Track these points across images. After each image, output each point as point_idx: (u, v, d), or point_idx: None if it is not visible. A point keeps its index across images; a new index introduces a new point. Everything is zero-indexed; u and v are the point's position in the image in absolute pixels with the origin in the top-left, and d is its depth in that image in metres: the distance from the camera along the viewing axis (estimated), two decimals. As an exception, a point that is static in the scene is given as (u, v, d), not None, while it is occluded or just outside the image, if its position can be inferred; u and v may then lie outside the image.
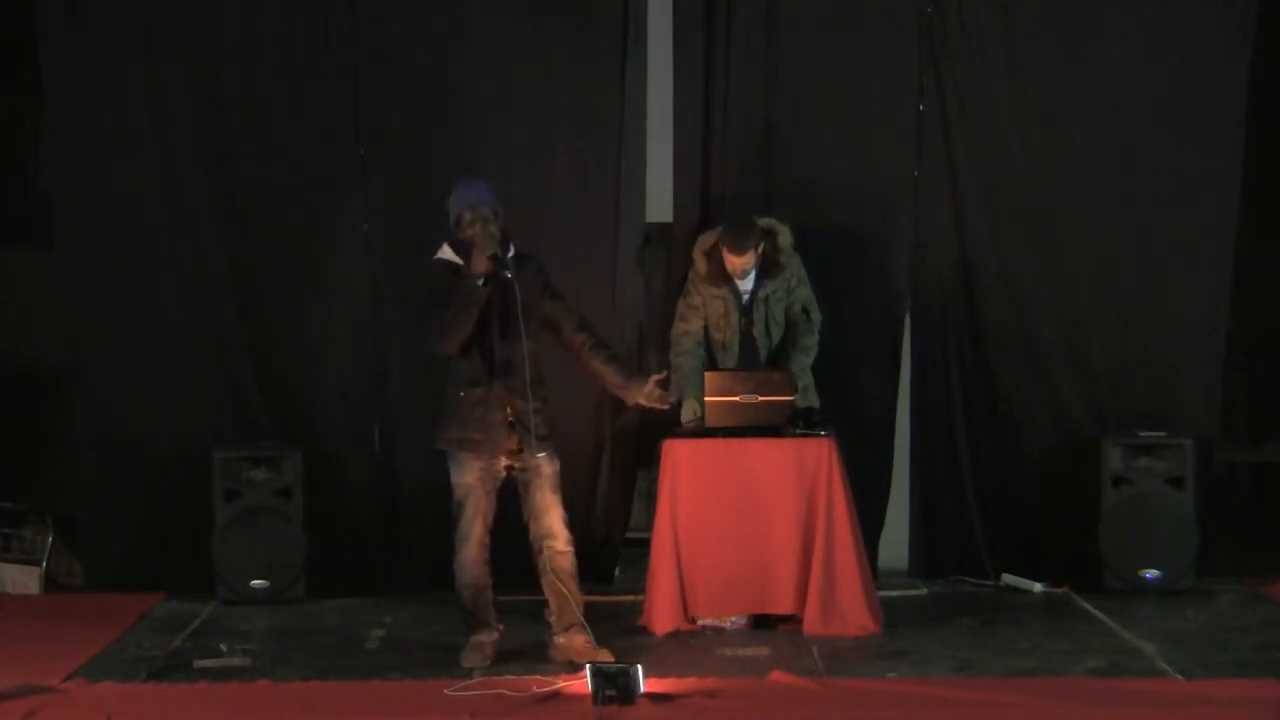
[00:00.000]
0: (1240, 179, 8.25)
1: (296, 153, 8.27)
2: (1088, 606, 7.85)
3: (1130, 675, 6.70)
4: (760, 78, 8.28)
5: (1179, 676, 6.66)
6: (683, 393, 7.67)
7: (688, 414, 7.61)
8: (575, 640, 6.91)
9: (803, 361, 7.78)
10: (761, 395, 7.40)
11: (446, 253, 6.83)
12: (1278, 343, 9.12)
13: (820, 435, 7.45)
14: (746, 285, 7.77)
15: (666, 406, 7.23)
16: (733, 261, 7.66)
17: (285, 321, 8.32)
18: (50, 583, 8.39)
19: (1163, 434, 8.13)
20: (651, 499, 7.70)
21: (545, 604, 7.00)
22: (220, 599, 8.02)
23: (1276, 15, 8.24)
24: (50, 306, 8.43)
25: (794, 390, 7.48)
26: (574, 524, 7.05)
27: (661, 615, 7.41)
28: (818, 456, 7.37)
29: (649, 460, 7.93)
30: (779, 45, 8.27)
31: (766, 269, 7.74)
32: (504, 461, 6.89)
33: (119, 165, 8.25)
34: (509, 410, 6.79)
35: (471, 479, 6.87)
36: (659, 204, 8.39)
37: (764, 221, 7.78)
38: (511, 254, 6.81)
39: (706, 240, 7.83)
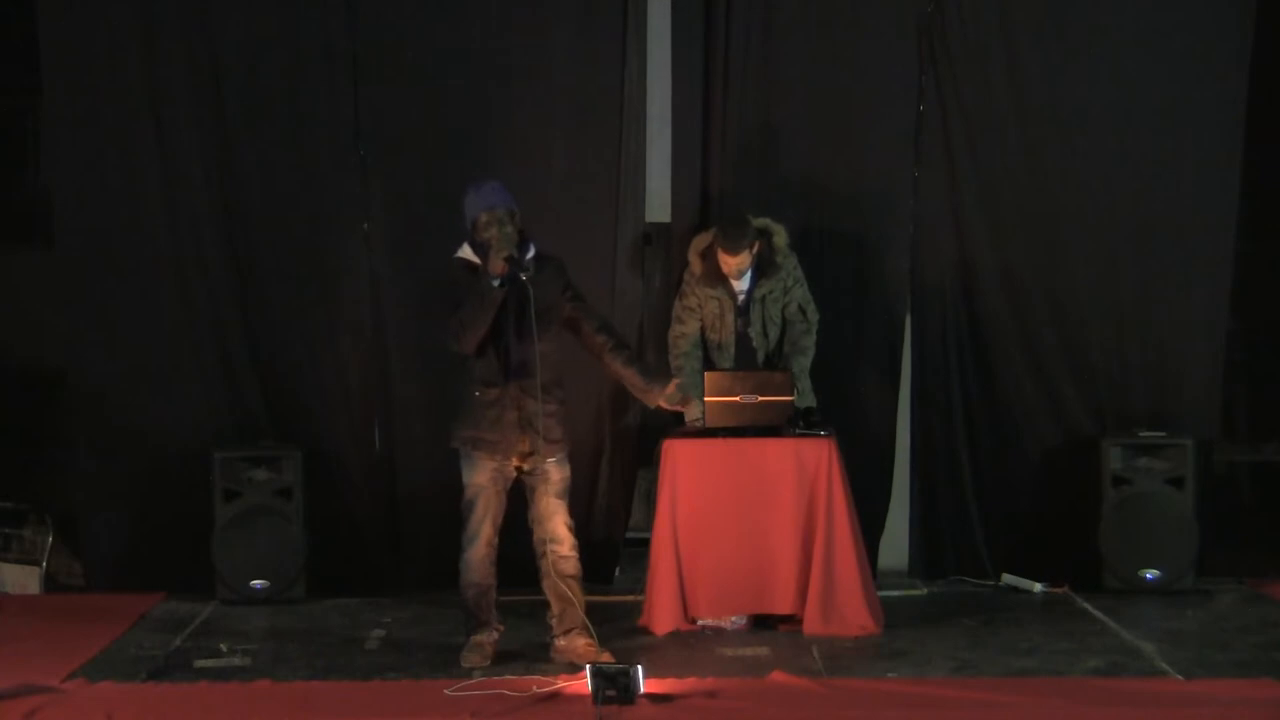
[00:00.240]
0: (1240, 179, 8.25)
1: (296, 153, 8.26)
2: (1088, 606, 7.85)
3: (1130, 675, 6.70)
4: (759, 77, 8.28)
5: (1179, 676, 6.66)
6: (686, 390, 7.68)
7: (691, 414, 7.61)
8: (576, 642, 6.91)
9: (801, 362, 7.79)
10: (761, 395, 7.40)
11: (465, 252, 6.84)
12: (1278, 343, 9.12)
13: (820, 435, 7.46)
14: (742, 286, 7.77)
15: (686, 409, 7.24)
16: (728, 262, 7.67)
17: (285, 321, 8.32)
18: (50, 583, 8.40)
19: (1163, 434, 8.14)
20: (651, 499, 7.71)
21: (546, 606, 7.01)
22: (220, 599, 8.02)
23: (1276, 15, 8.24)
24: (50, 306, 8.43)
25: (794, 390, 7.48)
26: (574, 524, 7.05)
27: (661, 615, 7.41)
28: (818, 456, 7.37)
29: (649, 460, 7.93)
30: (778, 45, 8.27)
31: (762, 269, 7.74)
32: (515, 463, 6.89)
33: (119, 165, 8.25)
34: (522, 412, 6.79)
35: (483, 479, 6.88)
36: (659, 204, 8.40)
37: (759, 221, 7.78)
38: (532, 254, 6.82)
39: (701, 241, 7.84)
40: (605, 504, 8.32)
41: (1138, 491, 8.08)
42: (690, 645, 7.27)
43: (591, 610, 7.05)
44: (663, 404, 7.12)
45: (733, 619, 7.51)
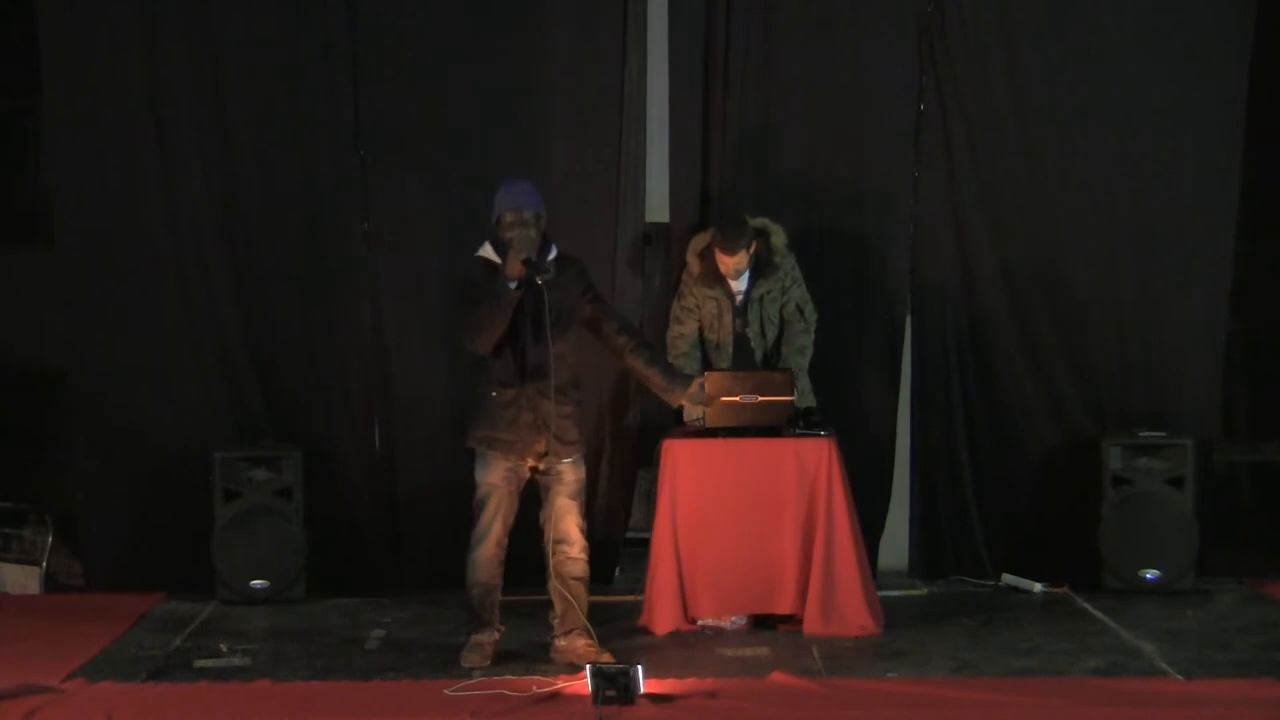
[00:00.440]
0: (1240, 179, 8.25)
1: (296, 153, 8.26)
2: (1088, 606, 7.85)
3: (1130, 675, 6.70)
4: (759, 77, 8.28)
5: (1179, 676, 6.66)
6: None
7: (691, 414, 7.61)
8: (577, 643, 6.91)
9: (799, 362, 7.79)
10: (761, 395, 7.40)
11: (487, 250, 6.85)
12: (1278, 343, 9.12)
13: (820, 435, 7.46)
14: (740, 286, 7.77)
15: (710, 409, 7.23)
16: (725, 262, 7.67)
17: (285, 321, 8.32)
18: (50, 583, 8.40)
19: (1163, 434, 8.13)
20: (651, 499, 7.70)
21: (550, 606, 7.01)
22: (220, 599, 8.02)
23: (1276, 15, 8.24)
24: (50, 306, 8.43)
25: (794, 390, 7.48)
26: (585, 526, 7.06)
27: (661, 615, 7.41)
28: (818, 456, 7.37)
29: (649, 460, 7.93)
30: (778, 45, 8.27)
31: (760, 269, 7.75)
32: (530, 463, 6.90)
33: (119, 165, 8.25)
34: (538, 413, 6.80)
35: (496, 478, 6.88)
36: (658, 204, 8.40)
37: (757, 221, 7.79)
38: (553, 255, 6.83)
39: (699, 242, 7.84)
40: (605, 504, 8.32)
41: (1138, 491, 8.08)
42: (690, 645, 7.27)
43: (592, 610, 7.05)
44: (685, 403, 7.13)
45: (733, 619, 7.51)
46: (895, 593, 8.08)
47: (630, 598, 7.77)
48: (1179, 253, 8.32)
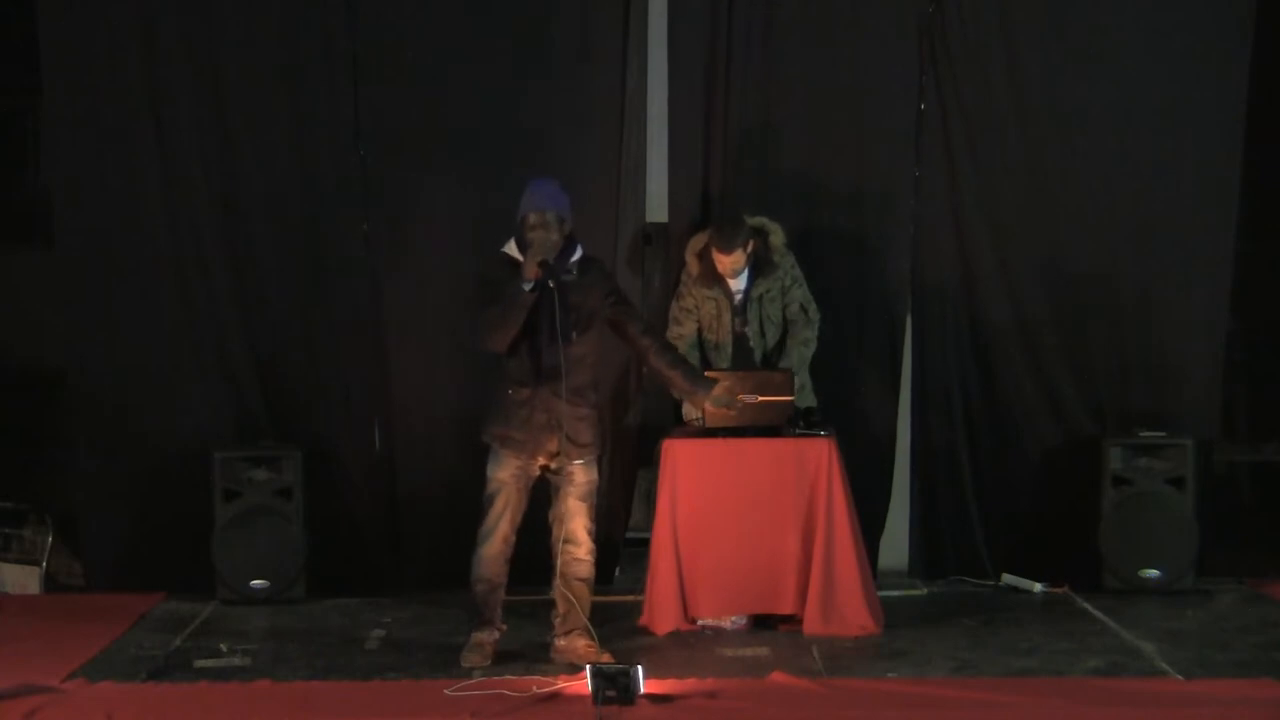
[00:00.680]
0: (1240, 179, 8.25)
1: (296, 153, 8.26)
2: (1088, 606, 7.85)
3: (1130, 675, 6.70)
4: (760, 77, 8.28)
5: (1179, 676, 6.66)
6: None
7: (690, 413, 7.61)
8: (577, 643, 6.91)
9: (802, 353, 7.78)
10: (761, 395, 7.40)
11: (510, 248, 6.86)
12: (1278, 343, 9.11)
13: (820, 435, 7.46)
14: (739, 285, 7.77)
15: (734, 412, 7.22)
16: (722, 261, 7.67)
17: (285, 321, 8.32)
18: (50, 583, 8.40)
19: (1163, 434, 8.13)
20: (651, 499, 7.70)
21: (552, 605, 7.01)
22: (220, 599, 8.02)
23: (1276, 15, 8.24)
24: (50, 306, 8.42)
25: (794, 390, 7.48)
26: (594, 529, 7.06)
27: (661, 615, 7.41)
28: (818, 456, 7.37)
29: (649, 460, 7.93)
30: (778, 45, 8.27)
31: (759, 268, 7.75)
32: (540, 461, 6.91)
33: (119, 165, 8.25)
34: (551, 414, 6.80)
35: (506, 475, 6.90)
36: (659, 204, 8.39)
37: (755, 220, 7.79)
38: (577, 256, 6.84)
39: (698, 241, 7.84)
40: (605, 504, 8.29)
41: (1138, 491, 8.08)
42: (690, 645, 7.27)
43: (592, 610, 7.05)
44: (708, 406, 7.13)
45: (733, 619, 7.51)
46: (895, 593, 8.08)
47: (630, 598, 7.77)
48: (1179, 253, 8.32)
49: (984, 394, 8.42)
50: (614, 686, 6.19)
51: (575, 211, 8.12)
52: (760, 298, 7.77)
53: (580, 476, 6.93)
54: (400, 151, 8.26)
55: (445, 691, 6.42)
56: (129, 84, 8.21)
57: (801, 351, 7.80)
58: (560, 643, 6.97)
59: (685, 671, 6.70)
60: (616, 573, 8.35)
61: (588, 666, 6.32)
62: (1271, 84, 8.38)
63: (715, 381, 7.11)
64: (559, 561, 6.95)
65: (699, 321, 7.85)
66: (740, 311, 7.79)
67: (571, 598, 6.94)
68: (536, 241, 6.74)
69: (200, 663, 6.99)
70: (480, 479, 7.07)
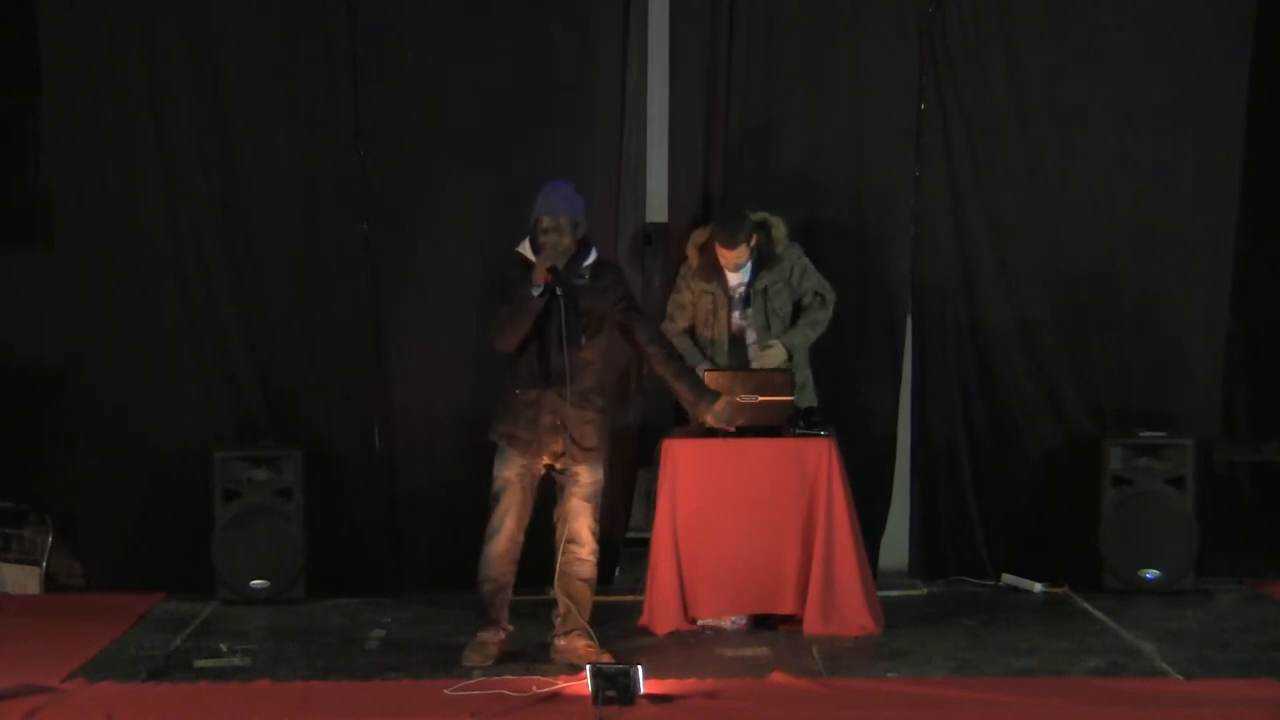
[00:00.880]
0: (1240, 179, 8.25)
1: (296, 153, 8.26)
2: (1088, 606, 7.85)
3: (1130, 675, 6.70)
4: (760, 77, 8.28)
5: (1179, 676, 6.66)
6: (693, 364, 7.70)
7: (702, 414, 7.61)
8: (577, 643, 6.91)
9: (806, 334, 7.76)
10: (761, 395, 7.40)
11: (524, 248, 6.87)
12: (1278, 343, 9.11)
13: (820, 435, 7.46)
14: (738, 279, 7.76)
15: (733, 429, 7.23)
16: (726, 255, 7.67)
17: (285, 321, 8.31)
18: (50, 583, 8.39)
19: (1163, 434, 8.13)
20: (651, 499, 7.70)
21: (554, 605, 7.02)
22: (220, 599, 8.02)
23: (1276, 15, 8.24)
24: (50, 306, 8.42)
25: (794, 390, 7.48)
26: (599, 530, 7.07)
27: (661, 615, 7.41)
28: (818, 456, 7.37)
29: (649, 460, 7.93)
30: (778, 45, 8.27)
31: (763, 261, 7.75)
32: (545, 461, 6.91)
33: (119, 165, 8.24)
34: (557, 415, 6.80)
35: (511, 474, 6.90)
36: (658, 204, 8.39)
37: (757, 216, 7.79)
38: (591, 260, 6.85)
39: (700, 236, 7.85)
40: (605, 504, 8.29)
41: (1138, 491, 8.08)
42: (690, 645, 7.27)
43: (592, 610, 7.05)
44: (709, 420, 7.13)
45: (733, 619, 7.51)
46: (895, 593, 8.08)
47: (630, 598, 7.77)
48: (1179, 253, 8.32)
49: (984, 394, 8.42)
50: (614, 686, 6.18)
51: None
52: (765, 290, 7.77)
53: (585, 477, 6.94)
54: (400, 151, 8.26)
55: (445, 691, 6.41)
56: (129, 84, 8.21)
57: (806, 333, 7.77)
58: (560, 643, 6.97)
59: (685, 671, 6.70)
60: (616, 573, 8.34)
61: (588, 666, 6.32)
62: (1271, 84, 8.38)
63: (719, 395, 7.11)
64: (561, 561, 6.96)
65: (694, 318, 7.85)
66: (740, 304, 7.77)
67: (575, 597, 6.94)
68: (548, 246, 6.75)
69: (200, 663, 6.99)
70: (481, 478, 7.07)
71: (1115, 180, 8.30)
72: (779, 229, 7.81)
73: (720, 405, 7.07)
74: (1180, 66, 8.24)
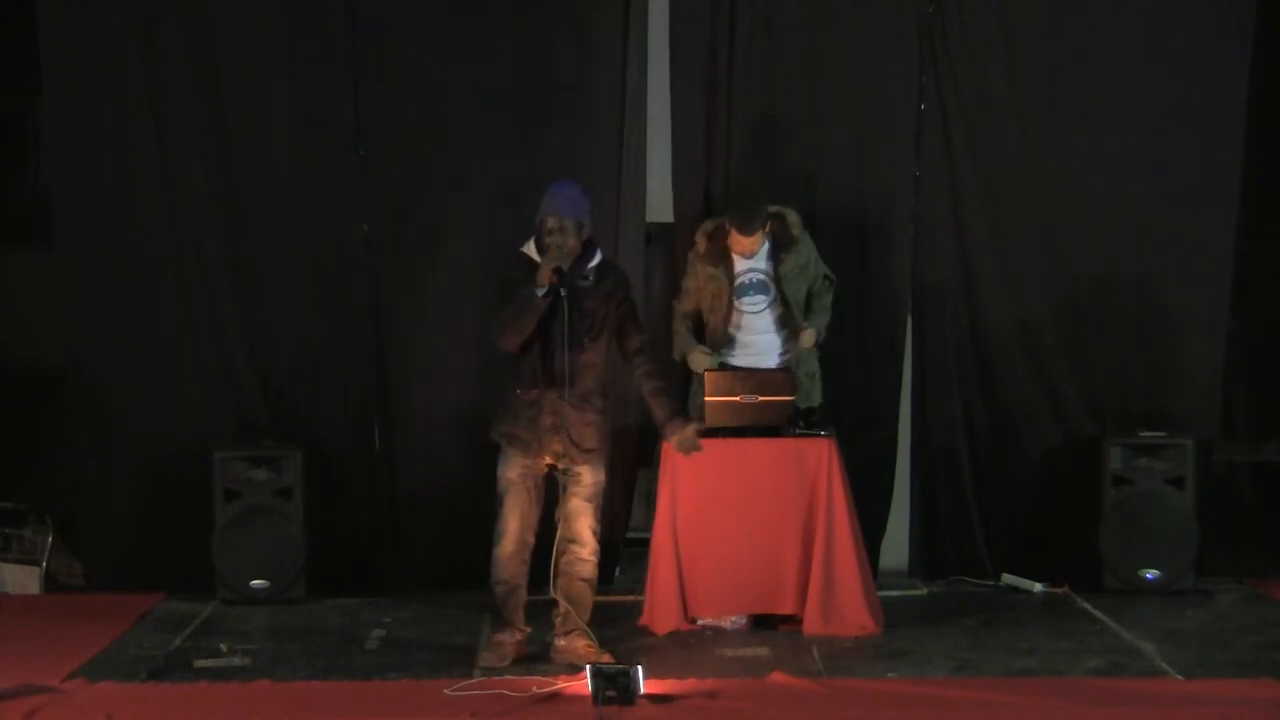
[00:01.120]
0: (1240, 179, 8.25)
1: (296, 153, 8.26)
2: (1088, 606, 7.85)
3: (1130, 675, 6.70)
4: (760, 77, 8.28)
5: (1179, 676, 6.66)
6: (685, 349, 7.73)
7: (699, 365, 7.61)
8: (577, 644, 6.91)
9: (821, 319, 7.75)
10: (761, 395, 7.40)
11: (529, 248, 6.87)
12: (1278, 343, 9.11)
13: (820, 435, 7.46)
14: (749, 265, 7.70)
15: (689, 456, 7.18)
16: (741, 243, 7.65)
17: (285, 321, 8.31)
18: (50, 583, 8.39)
19: (1163, 434, 8.13)
20: (651, 499, 7.71)
21: (555, 604, 7.01)
22: (220, 599, 8.02)
23: (1276, 15, 8.24)
24: (50, 306, 8.42)
25: (794, 390, 7.48)
26: (600, 530, 7.06)
27: (661, 615, 7.41)
28: (818, 456, 7.37)
29: (649, 460, 7.94)
30: (779, 45, 8.27)
31: (782, 244, 7.72)
32: (547, 461, 6.91)
33: (119, 165, 8.24)
34: (557, 416, 6.80)
35: (514, 474, 6.90)
36: (659, 204, 8.39)
37: (772, 208, 7.78)
38: (596, 262, 6.85)
39: (710, 224, 7.85)
40: (606, 504, 8.30)
41: (1138, 491, 8.08)
42: (690, 645, 7.27)
43: (592, 610, 7.05)
44: (672, 445, 7.10)
45: (733, 619, 7.51)
46: (895, 593, 8.08)
47: (630, 598, 7.77)
48: (1179, 253, 8.32)
49: (984, 394, 8.42)
50: (614, 686, 6.19)
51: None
52: (785, 275, 7.73)
53: (587, 477, 6.94)
54: (400, 151, 8.26)
55: (445, 691, 6.41)
56: (129, 84, 8.21)
57: (825, 318, 7.75)
58: (560, 643, 6.97)
59: (685, 671, 6.70)
60: (616, 573, 8.34)
61: (588, 666, 6.32)
62: (1271, 84, 8.38)
63: (688, 422, 7.06)
64: (562, 561, 6.95)
65: (700, 302, 7.81)
66: (744, 292, 7.72)
67: (575, 597, 6.94)
68: (553, 247, 6.75)
69: (200, 663, 6.98)
70: (481, 478, 7.08)
71: (1115, 180, 8.30)
72: (793, 216, 7.80)
73: (686, 434, 7.02)
74: (1180, 66, 8.24)
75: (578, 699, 6.30)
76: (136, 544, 8.26)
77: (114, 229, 8.26)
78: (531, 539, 6.96)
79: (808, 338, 7.70)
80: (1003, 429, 8.43)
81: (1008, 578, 8.29)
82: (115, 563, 8.30)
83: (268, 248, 8.29)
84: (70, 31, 8.19)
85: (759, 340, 7.77)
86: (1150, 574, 8.06)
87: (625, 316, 6.96)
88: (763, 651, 7.13)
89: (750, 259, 7.71)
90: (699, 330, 7.84)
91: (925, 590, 8.26)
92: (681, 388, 7.84)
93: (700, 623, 7.49)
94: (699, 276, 7.80)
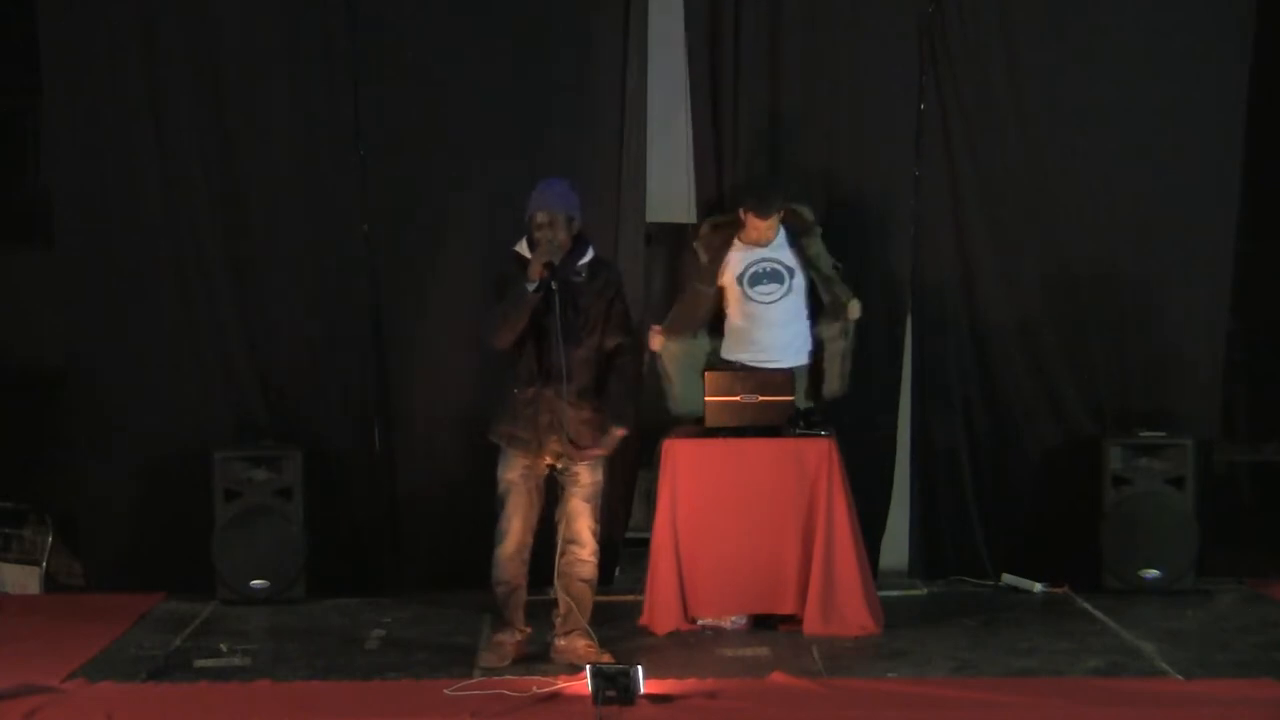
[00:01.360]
0: (1240, 179, 8.25)
1: (297, 153, 8.26)
2: (1088, 606, 7.85)
3: (1130, 675, 6.71)
4: (760, 78, 8.27)
5: (1179, 676, 6.66)
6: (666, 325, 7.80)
7: (656, 344, 7.69)
8: (577, 643, 6.91)
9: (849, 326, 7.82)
10: (762, 395, 7.40)
11: (521, 246, 6.87)
12: (1278, 343, 9.11)
13: (820, 435, 7.46)
14: (765, 253, 7.70)
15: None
16: (758, 226, 7.64)
17: (285, 321, 8.31)
18: (50, 583, 8.39)
19: (1163, 434, 8.14)
20: (651, 499, 7.71)
21: (555, 604, 7.02)
22: (220, 599, 8.02)
23: (1276, 15, 8.24)
24: (50, 306, 8.42)
25: (794, 390, 7.49)
26: (600, 530, 7.06)
27: (661, 615, 7.41)
28: (818, 456, 7.38)
29: (649, 460, 7.93)
30: (779, 46, 8.27)
31: (800, 230, 7.73)
32: (547, 460, 6.91)
33: (119, 165, 8.25)
34: (554, 414, 6.80)
35: (514, 475, 6.91)
36: (659, 204, 8.39)
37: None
38: (588, 258, 6.85)
39: (705, 228, 7.85)
40: (605, 504, 8.30)
41: (1138, 491, 8.08)
42: (690, 645, 7.27)
43: (592, 610, 7.05)
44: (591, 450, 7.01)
45: (733, 619, 7.51)
46: (895, 593, 8.08)
47: (630, 598, 7.77)
48: (1179, 253, 8.32)
49: (984, 394, 8.42)
50: (614, 686, 6.19)
51: (576, 211, 8.12)
52: (814, 258, 7.72)
53: (586, 477, 6.93)
54: (400, 151, 8.26)
55: (445, 691, 6.42)
56: (129, 84, 8.21)
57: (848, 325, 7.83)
58: (560, 643, 6.97)
59: (685, 671, 6.70)
60: (616, 573, 8.34)
61: (588, 666, 6.32)
62: (1271, 84, 8.38)
63: (619, 426, 6.89)
64: (562, 561, 6.95)
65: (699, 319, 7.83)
66: (760, 279, 7.71)
67: (575, 597, 6.94)
68: (543, 242, 6.75)
69: (200, 663, 6.99)
70: (481, 478, 7.07)
71: (1115, 180, 8.30)
72: (806, 211, 7.80)
73: (610, 437, 6.92)
74: (1180, 66, 8.24)
75: (578, 699, 6.30)
76: (136, 544, 8.26)
77: (114, 229, 8.26)
78: (530, 540, 6.96)
79: (855, 309, 7.71)
80: (1003, 429, 8.43)
81: (1008, 578, 8.29)
82: (115, 563, 8.30)
83: (268, 248, 8.29)
84: (70, 31, 8.19)
85: (769, 336, 7.74)
86: (1150, 574, 8.06)
87: (613, 315, 6.95)
88: (763, 651, 7.13)
89: (764, 248, 7.70)
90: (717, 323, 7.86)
91: (925, 590, 8.26)
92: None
93: (700, 623, 7.49)
94: (699, 293, 7.79)
